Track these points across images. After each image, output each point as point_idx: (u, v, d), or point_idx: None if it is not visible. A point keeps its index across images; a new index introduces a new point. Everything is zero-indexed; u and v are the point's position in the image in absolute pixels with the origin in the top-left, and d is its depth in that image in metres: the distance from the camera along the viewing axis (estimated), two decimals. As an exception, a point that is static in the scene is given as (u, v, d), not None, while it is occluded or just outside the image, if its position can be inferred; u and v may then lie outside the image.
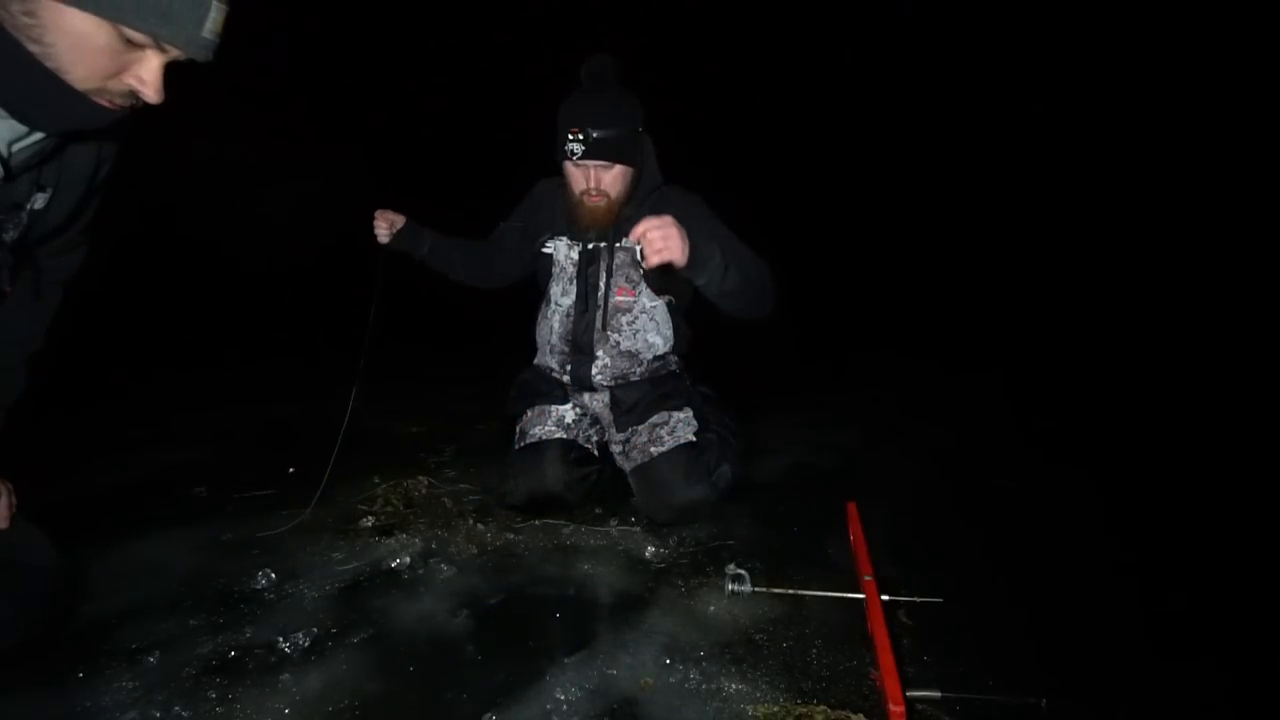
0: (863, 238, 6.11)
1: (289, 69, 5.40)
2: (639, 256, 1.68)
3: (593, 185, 1.58)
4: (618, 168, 1.58)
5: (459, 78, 6.05)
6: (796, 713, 1.06)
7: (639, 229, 1.30)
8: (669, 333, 1.79)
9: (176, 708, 1.06)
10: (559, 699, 1.09)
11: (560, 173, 1.65)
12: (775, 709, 1.07)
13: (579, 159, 1.54)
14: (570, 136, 1.53)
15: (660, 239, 1.29)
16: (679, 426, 1.72)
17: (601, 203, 1.60)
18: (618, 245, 1.70)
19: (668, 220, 1.30)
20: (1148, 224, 5.16)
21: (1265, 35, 4.54)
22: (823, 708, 1.07)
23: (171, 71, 0.86)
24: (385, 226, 1.81)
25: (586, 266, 1.73)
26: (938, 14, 5.77)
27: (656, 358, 1.79)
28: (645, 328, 1.75)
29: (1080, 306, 4.79)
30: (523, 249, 1.83)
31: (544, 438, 1.73)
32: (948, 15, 5.73)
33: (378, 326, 1.82)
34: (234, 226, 5.16)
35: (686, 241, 1.32)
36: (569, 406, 1.80)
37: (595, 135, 1.52)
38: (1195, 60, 4.97)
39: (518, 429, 1.81)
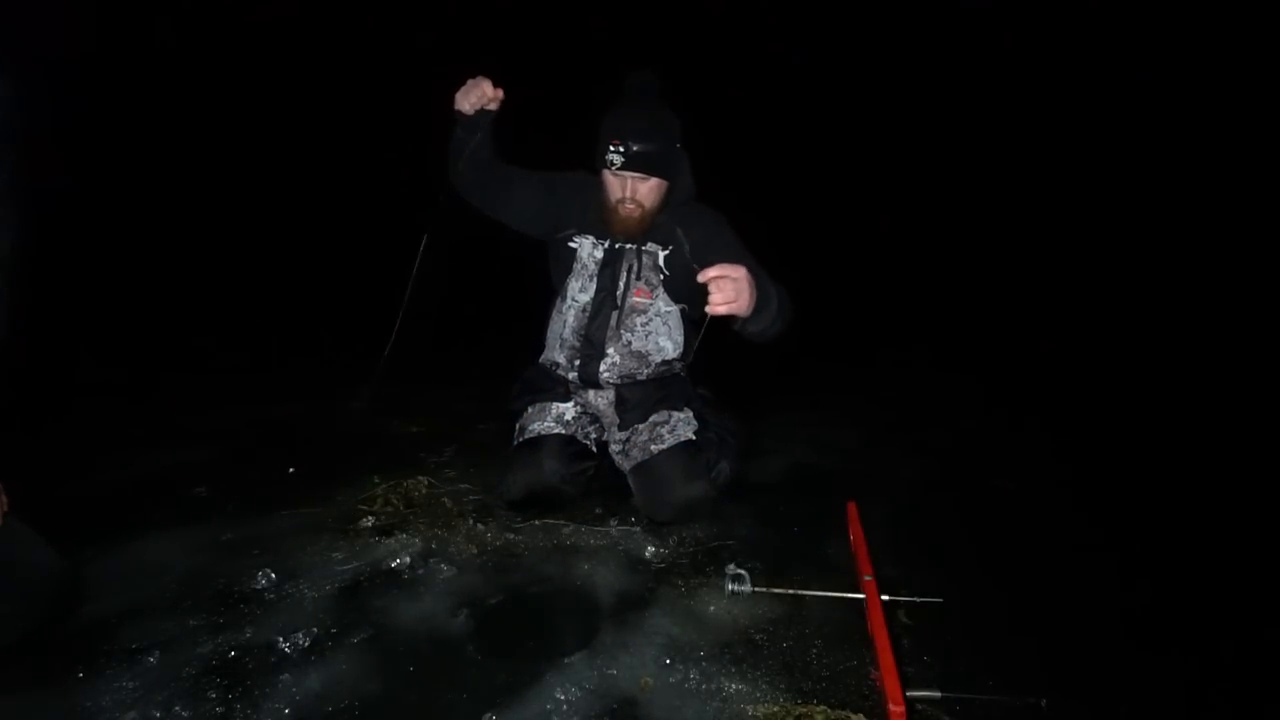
0: (863, 240, 6.11)
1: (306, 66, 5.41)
2: (660, 266, 1.71)
3: (628, 195, 1.62)
4: (654, 180, 1.62)
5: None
6: (796, 713, 1.06)
7: (711, 272, 1.29)
8: (679, 338, 1.79)
9: (176, 708, 1.06)
10: (559, 699, 1.09)
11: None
12: (775, 709, 1.07)
13: (618, 169, 1.59)
14: (612, 147, 1.57)
15: (732, 289, 1.30)
16: (679, 425, 1.72)
17: (636, 213, 1.64)
18: (642, 249, 1.73)
19: (742, 272, 1.32)
20: (1149, 227, 5.16)
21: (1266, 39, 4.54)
22: (823, 708, 1.07)
23: None
24: (483, 97, 1.63)
25: (608, 265, 1.75)
26: (945, 22, 5.77)
27: (664, 362, 1.79)
28: (658, 330, 1.76)
29: (1080, 308, 4.79)
30: (537, 212, 1.79)
31: (542, 433, 1.74)
32: (955, 21, 5.73)
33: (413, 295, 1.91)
34: (233, 226, 5.17)
35: (755, 294, 1.36)
36: (570, 404, 1.80)
37: (635, 148, 1.56)
38: (1198, 66, 4.97)
39: (517, 425, 1.82)
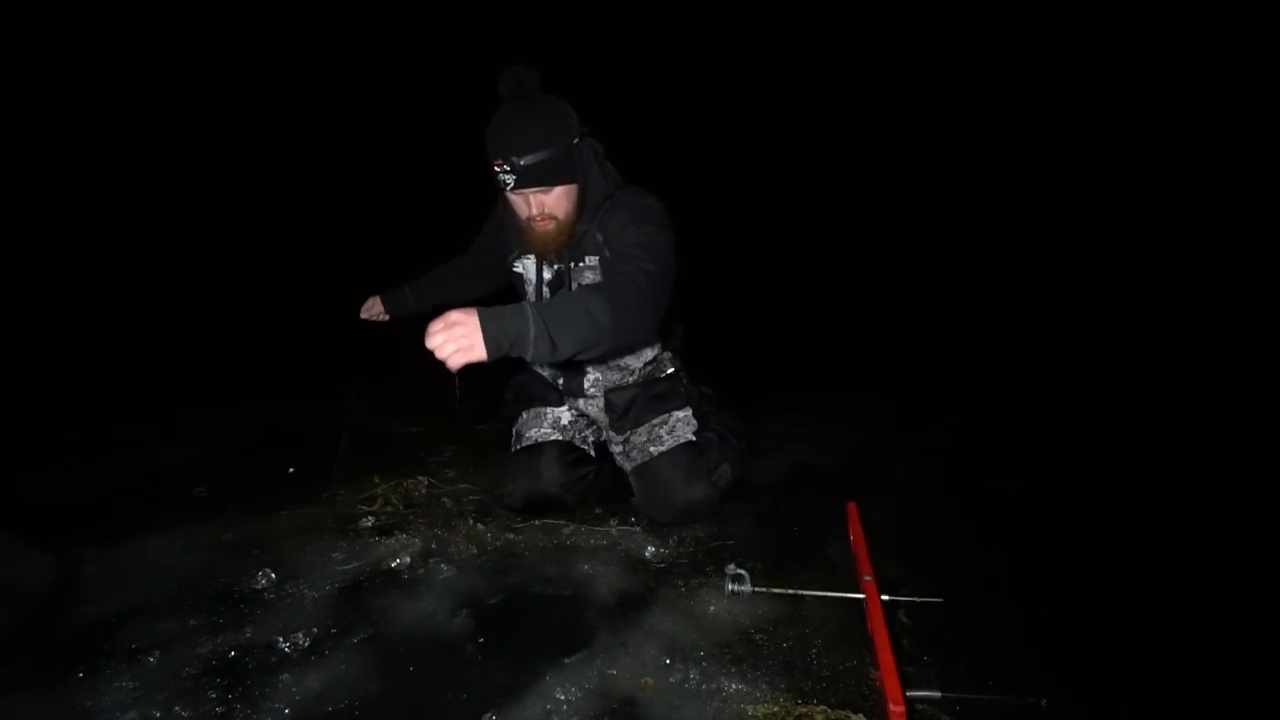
0: (864, 239, 6.11)
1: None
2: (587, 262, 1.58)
3: (536, 212, 1.48)
4: (558, 188, 1.47)
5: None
6: (796, 713, 1.06)
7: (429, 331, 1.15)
8: (652, 337, 1.74)
9: (176, 708, 1.06)
10: (559, 699, 1.09)
11: None
12: (775, 709, 1.07)
13: (513, 190, 1.45)
14: (497, 169, 1.42)
15: (440, 343, 1.12)
16: (678, 426, 1.71)
17: (551, 225, 1.51)
18: (580, 264, 1.61)
19: (444, 321, 1.13)
20: (1150, 224, 5.16)
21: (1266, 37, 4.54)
22: (823, 708, 1.07)
23: None
24: (375, 314, 1.94)
25: (556, 287, 1.64)
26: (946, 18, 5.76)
27: (647, 363, 1.77)
28: None
29: (1080, 307, 4.79)
30: (495, 264, 1.79)
31: (540, 440, 1.73)
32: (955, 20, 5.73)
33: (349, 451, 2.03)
34: (232, 226, 5.18)
35: (476, 330, 1.13)
36: (565, 408, 1.79)
37: (523, 163, 1.40)
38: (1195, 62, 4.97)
39: (514, 431, 1.81)
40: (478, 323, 1.14)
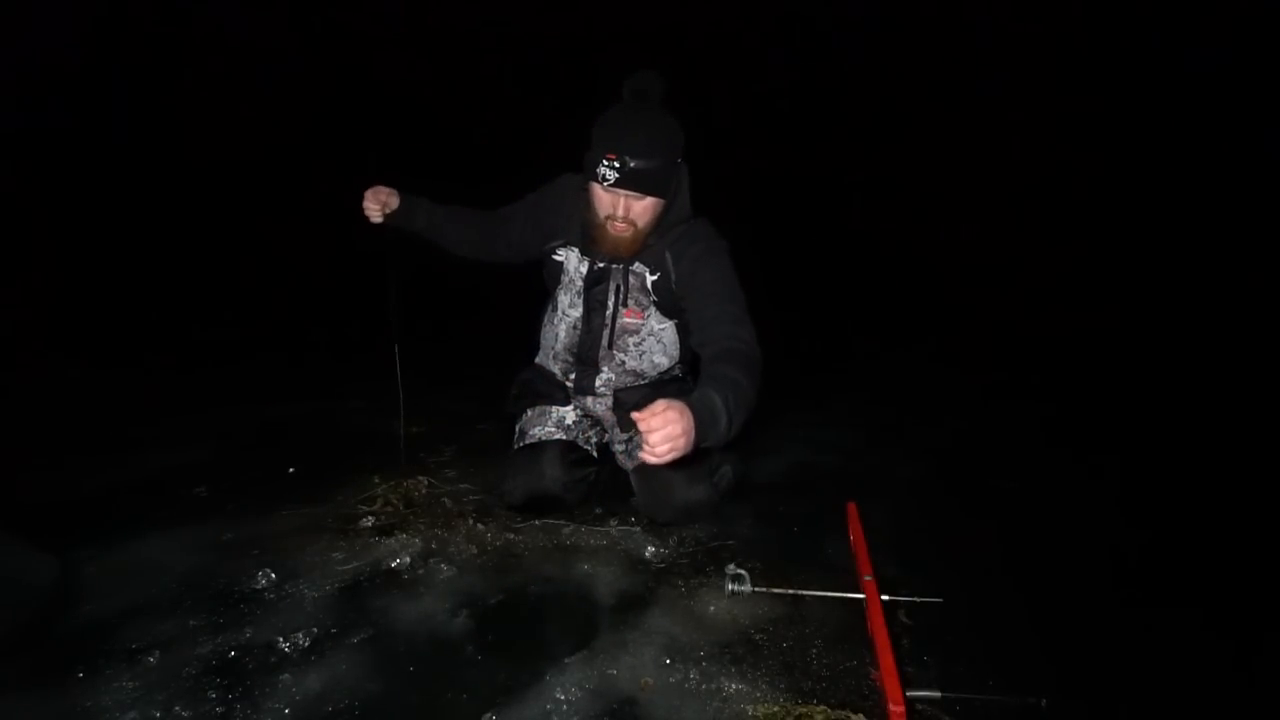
0: (864, 239, 6.11)
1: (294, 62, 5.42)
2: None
3: (621, 214, 1.48)
4: (650, 199, 1.48)
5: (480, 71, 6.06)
6: (796, 713, 1.06)
7: (643, 422, 1.13)
8: (675, 352, 1.74)
9: (176, 708, 1.06)
10: (559, 699, 1.09)
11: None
12: (775, 709, 1.07)
13: (611, 185, 1.44)
14: (606, 162, 1.41)
15: (663, 441, 1.12)
16: (681, 426, 1.70)
17: (627, 231, 1.50)
18: (632, 269, 1.62)
19: (672, 415, 1.13)
20: (1148, 223, 5.16)
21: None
22: (823, 708, 1.07)
23: None
24: (377, 207, 1.75)
25: (594, 285, 1.66)
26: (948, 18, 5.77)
27: (662, 372, 1.77)
28: (652, 349, 1.71)
29: (1080, 305, 4.79)
30: (532, 242, 1.77)
31: (543, 438, 1.73)
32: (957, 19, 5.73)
33: (399, 309, 1.85)
34: (231, 226, 5.18)
35: (692, 431, 1.16)
36: (570, 408, 1.79)
37: (633, 164, 1.41)
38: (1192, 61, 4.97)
39: (517, 428, 1.81)
40: (693, 424, 1.17)
